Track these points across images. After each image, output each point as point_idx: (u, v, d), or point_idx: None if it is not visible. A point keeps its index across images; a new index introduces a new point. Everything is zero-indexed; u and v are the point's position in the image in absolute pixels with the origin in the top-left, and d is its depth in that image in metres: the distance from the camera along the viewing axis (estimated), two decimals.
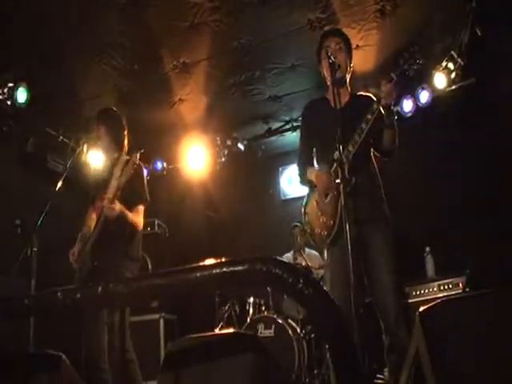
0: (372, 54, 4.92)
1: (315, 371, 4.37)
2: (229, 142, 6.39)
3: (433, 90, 5.35)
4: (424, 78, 5.28)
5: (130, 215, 3.26)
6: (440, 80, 5.21)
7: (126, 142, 3.55)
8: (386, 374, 3.75)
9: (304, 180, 3.07)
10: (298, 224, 5.30)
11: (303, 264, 4.93)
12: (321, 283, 3.99)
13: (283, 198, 6.95)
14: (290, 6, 4.21)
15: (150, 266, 5.52)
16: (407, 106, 5.49)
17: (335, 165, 2.75)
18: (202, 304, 5.51)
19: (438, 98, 5.36)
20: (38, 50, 4.42)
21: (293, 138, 6.11)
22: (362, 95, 3.04)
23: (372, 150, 2.97)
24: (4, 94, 4.63)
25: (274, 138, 6.49)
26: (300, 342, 4.47)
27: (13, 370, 1.62)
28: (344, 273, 2.45)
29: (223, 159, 6.45)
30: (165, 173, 6.76)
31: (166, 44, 4.63)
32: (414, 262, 4.68)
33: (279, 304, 4.93)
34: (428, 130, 5.32)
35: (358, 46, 4.69)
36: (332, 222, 2.78)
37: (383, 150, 2.91)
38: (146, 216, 3.46)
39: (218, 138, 6.39)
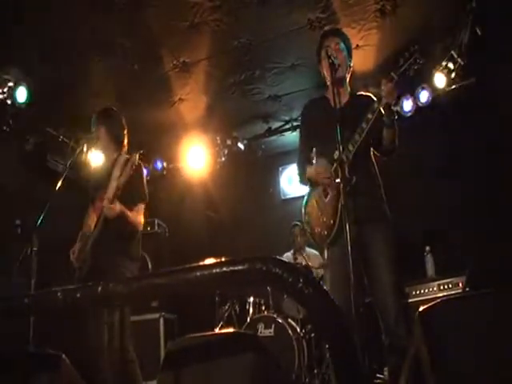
0: (372, 54, 4.92)
1: (315, 371, 4.37)
2: (229, 142, 6.39)
3: (433, 89, 5.35)
4: (424, 78, 5.28)
5: (129, 215, 3.26)
6: (440, 80, 5.21)
7: (125, 141, 3.55)
8: (385, 373, 3.75)
9: (304, 179, 3.07)
10: (298, 223, 5.30)
11: (303, 263, 4.92)
12: (321, 283, 4.00)
13: (283, 197, 6.95)
14: (290, 6, 4.21)
15: (149, 266, 5.51)
16: (407, 105, 5.50)
17: (335, 164, 2.75)
18: (202, 304, 5.50)
19: (437, 98, 5.36)
20: (38, 50, 4.42)
21: (293, 137, 6.11)
22: (361, 95, 3.04)
23: (372, 149, 2.97)
24: (4, 93, 4.63)
25: (273, 137, 6.49)
26: (300, 341, 4.46)
27: (13, 369, 1.62)
28: (344, 272, 2.44)
29: (223, 159, 6.45)
30: (165, 172, 6.76)
31: (165, 44, 4.63)
32: (413, 262, 4.68)
33: (279, 303, 4.92)
34: (428, 130, 5.32)
35: (357, 45, 4.70)
36: (332, 221, 2.78)
37: (383, 150, 2.91)
38: (145, 216, 3.46)
39: (217, 138, 6.39)
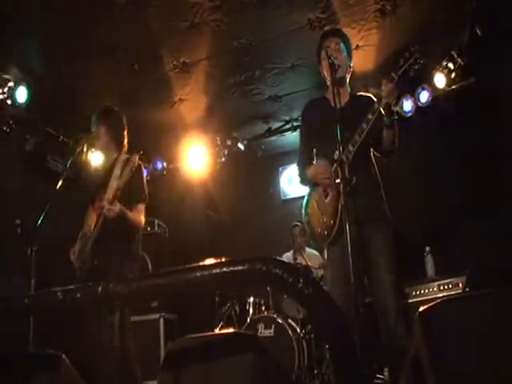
0: (372, 54, 4.92)
1: (315, 371, 4.37)
2: (229, 142, 6.39)
3: (433, 89, 5.35)
4: (424, 78, 5.28)
5: (130, 215, 3.25)
6: (440, 80, 5.21)
7: (125, 141, 3.54)
8: (385, 373, 3.75)
9: (304, 180, 3.07)
10: (298, 223, 5.30)
11: (303, 264, 4.92)
12: (321, 283, 4.00)
13: (283, 197, 6.95)
14: (290, 6, 4.21)
15: (149, 266, 5.51)
16: (407, 105, 5.49)
17: (335, 165, 2.75)
18: (202, 304, 5.50)
19: (437, 98, 5.36)
20: (38, 50, 4.42)
21: (293, 137, 6.11)
22: (361, 95, 3.04)
23: (372, 150, 2.97)
24: (4, 93, 4.63)
25: (274, 137, 6.49)
26: (300, 341, 4.46)
27: (13, 369, 1.62)
28: (344, 273, 2.45)
29: (223, 159, 6.45)
30: (165, 173, 6.76)
31: (166, 44, 4.63)
32: (414, 262, 4.68)
33: (279, 304, 4.92)
34: (428, 130, 5.32)
35: (357, 46, 4.69)
36: (332, 221, 2.78)
37: (383, 150, 2.91)
38: (146, 216, 3.46)
39: (217, 138, 6.39)
